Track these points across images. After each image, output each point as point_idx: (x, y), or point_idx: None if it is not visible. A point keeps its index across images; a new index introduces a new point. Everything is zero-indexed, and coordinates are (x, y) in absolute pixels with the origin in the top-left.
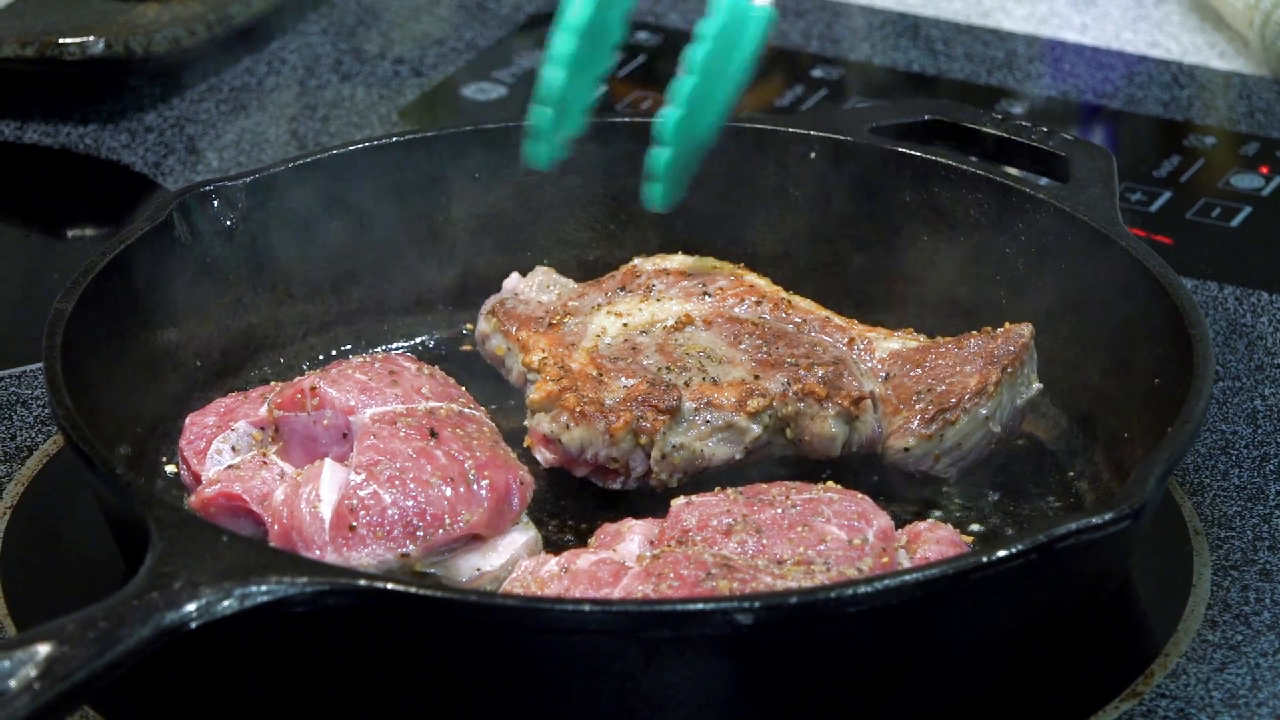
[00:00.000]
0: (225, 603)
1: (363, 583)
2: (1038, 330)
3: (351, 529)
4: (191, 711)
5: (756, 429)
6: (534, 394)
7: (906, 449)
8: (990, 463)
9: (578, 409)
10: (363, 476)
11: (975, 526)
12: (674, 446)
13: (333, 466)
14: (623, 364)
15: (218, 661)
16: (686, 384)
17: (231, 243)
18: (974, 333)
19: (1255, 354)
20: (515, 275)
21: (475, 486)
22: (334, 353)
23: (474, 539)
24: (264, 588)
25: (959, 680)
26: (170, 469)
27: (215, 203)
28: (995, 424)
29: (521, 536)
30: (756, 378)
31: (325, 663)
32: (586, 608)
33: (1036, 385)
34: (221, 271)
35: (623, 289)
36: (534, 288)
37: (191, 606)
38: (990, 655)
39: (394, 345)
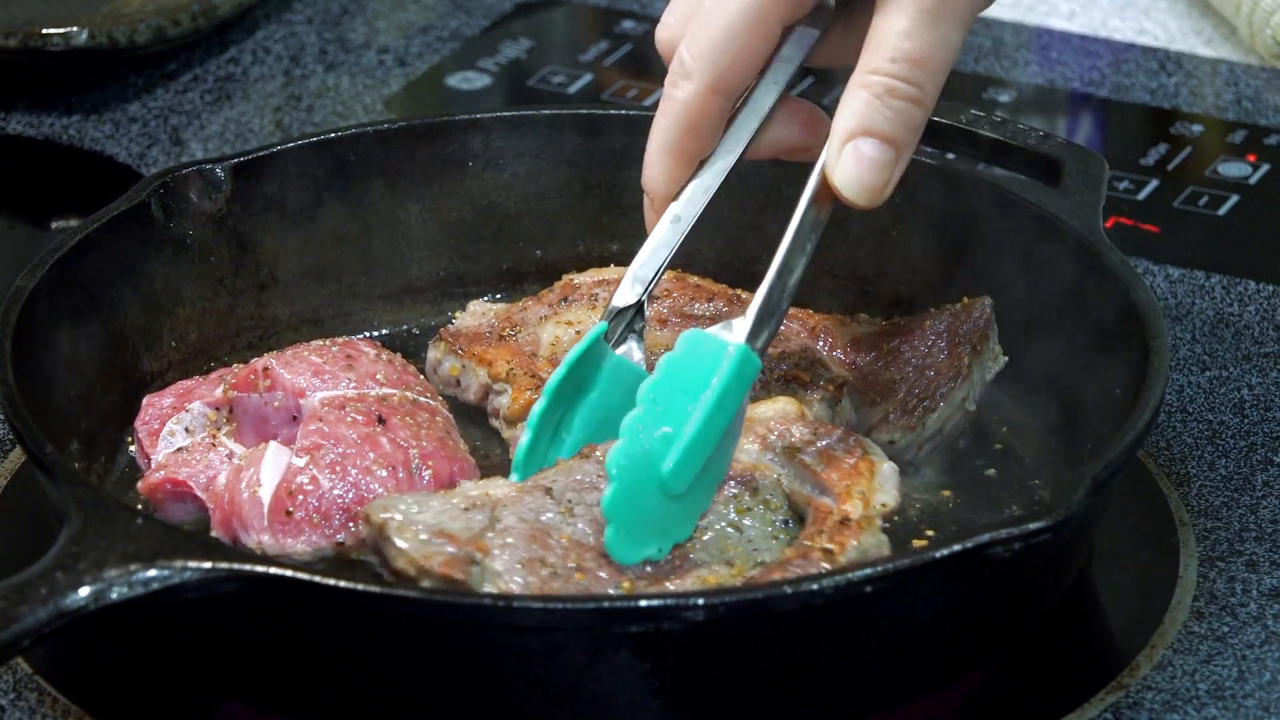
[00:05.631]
0: (119, 588)
1: (259, 569)
2: (1017, 336)
3: (288, 514)
4: (175, 690)
5: None
6: (511, 405)
7: (892, 442)
8: (963, 470)
9: None
10: (304, 461)
11: (930, 532)
12: None
13: (276, 449)
14: None
15: (189, 640)
16: None
17: (213, 225)
18: (932, 310)
19: (1242, 343)
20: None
21: (417, 476)
22: (314, 338)
23: None
24: (151, 573)
25: (917, 676)
26: (133, 449)
27: (197, 185)
28: (970, 402)
29: None
30: None
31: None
32: (484, 601)
33: (1003, 358)
34: (202, 254)
35: (565, 300)
36: (472, 316)
37: (85, 591)
38: (951, 651)
39: (379, 332)
